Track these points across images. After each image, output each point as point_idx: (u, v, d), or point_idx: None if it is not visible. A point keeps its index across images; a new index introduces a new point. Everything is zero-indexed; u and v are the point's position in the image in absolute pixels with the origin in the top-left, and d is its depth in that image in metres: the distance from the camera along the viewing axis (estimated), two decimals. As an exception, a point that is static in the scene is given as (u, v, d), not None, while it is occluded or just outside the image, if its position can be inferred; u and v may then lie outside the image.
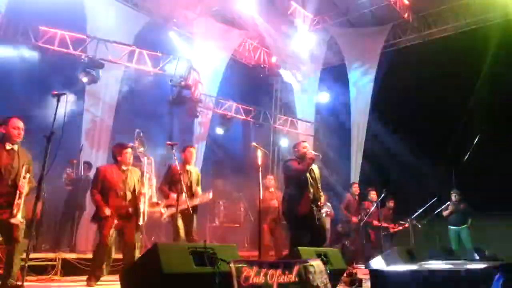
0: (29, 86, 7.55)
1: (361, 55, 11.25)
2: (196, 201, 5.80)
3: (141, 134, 6.42)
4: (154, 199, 5.77)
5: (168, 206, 5.74)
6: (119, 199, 5.09)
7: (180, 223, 5.56)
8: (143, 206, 5.22)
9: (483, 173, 9.01)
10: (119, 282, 3.67)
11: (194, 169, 6.14)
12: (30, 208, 3.95)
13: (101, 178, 5.11)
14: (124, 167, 5.24)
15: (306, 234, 5.32)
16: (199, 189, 6.00)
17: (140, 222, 5.20)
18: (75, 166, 7.59)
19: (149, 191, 5.51)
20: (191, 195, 5.77)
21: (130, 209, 5.15)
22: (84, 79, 7.74)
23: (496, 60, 9.20)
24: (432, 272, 3.61)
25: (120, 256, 5.42)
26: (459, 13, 10.26)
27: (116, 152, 5.30)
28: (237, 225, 9.52)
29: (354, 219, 8.67)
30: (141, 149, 6.25)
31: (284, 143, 12.13)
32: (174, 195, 5.57)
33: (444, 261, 4.92)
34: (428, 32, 10.82)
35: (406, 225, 8.83)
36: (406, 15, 10.53)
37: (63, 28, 7.86)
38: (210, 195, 5.90)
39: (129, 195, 5.17)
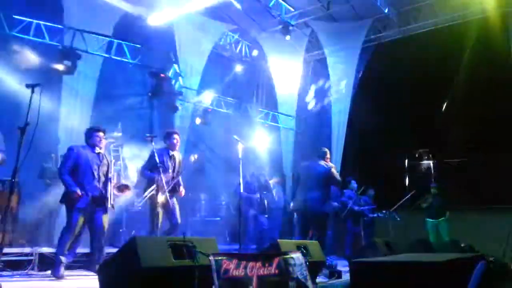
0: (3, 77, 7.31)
1: (342, 50, 11.29)
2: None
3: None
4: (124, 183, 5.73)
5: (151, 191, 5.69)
6: (94, 180, 5.06)
7: (160, 210, 5.56)
8: (110, 189, 5.18)
9: (461, 167, 9.21)
10: (96, 276, 3.61)
11: (178, 154, 6.13)
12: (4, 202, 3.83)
13: (75, 157, 5.04)
14: (97, 150, 5.20)
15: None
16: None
17: (108, 205, 5.18)
18: (53, 160, 7.44)
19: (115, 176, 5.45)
20: (177, 179, 5.86)
21: (102, 192, 5.12)
22: (60, 69, 7.55)
23: (473, 55, 9.37)
24: (411, 263, 3.66)
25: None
26: (438, 9, 10.37)
27: (88, 135, 5.28)
28: (218, 218, 9.49)
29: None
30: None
31: (264, 136, 12.12)
32: (156, 176, 5.55)
33: (422, 253, 5.01)
34: (408, 27, 10.92)
35: (386, 214, 8.96)
36: (386, 11, 10.61)
37: (38, 18, 7.65)
38: (195, 156, 6.01)
39: (102, 178, 5.16)
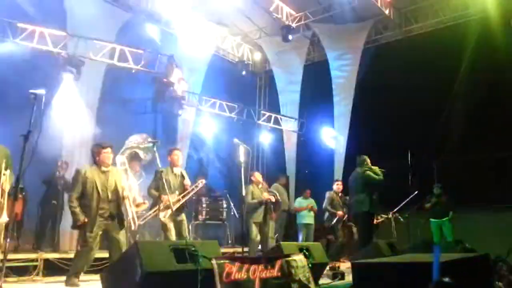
0: (7, 85, 7.36)
1: (343, 51, 11.32)
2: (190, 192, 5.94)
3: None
4: (139, 200, 5.71)
5: (163, 209, 5.71)
6: (101, 201, 4.94)
7: (171, 226, 5.62)
8: (131, 210, 5.13)
9: (464, 167, 9.18)
10: (100, 281, 3.64)
11: (182, 171, 6.14)
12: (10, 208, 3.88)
13: (82, 179, 4.94)
14: (104, 168, 5.09)
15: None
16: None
17: (133, 228, 5.22)
18: (61, 167, 7.51)
19: (130, 193, 5.41)
20: (182, 196, 5.85)
21: (112, 211, 5.02)
22: (65, 77, 7.63)
23: (475, 55, 9.36)
24: (414, 264, 3.66)
25: (102, 255, 5.39)
26: (439, 9, 10.42)
27: (95, 152, 5.16)
28: (220, 222, 9.49)
29: (340, 213, 8.56)
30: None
31: (267, 139, 12.17)
32: (165, 197, 5.51)
33: (425, 254, 4.99)
34: (408, 28, 10.95)
35: (389, 215, 8.93)
36: (387, 12, 10.62)
37: (42, 25, 7.72)
38: (203, 182, 6.04)
39: (110, 196, 5.02)
